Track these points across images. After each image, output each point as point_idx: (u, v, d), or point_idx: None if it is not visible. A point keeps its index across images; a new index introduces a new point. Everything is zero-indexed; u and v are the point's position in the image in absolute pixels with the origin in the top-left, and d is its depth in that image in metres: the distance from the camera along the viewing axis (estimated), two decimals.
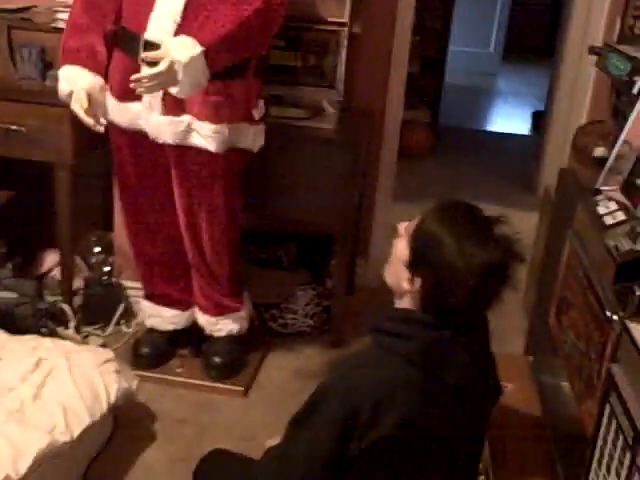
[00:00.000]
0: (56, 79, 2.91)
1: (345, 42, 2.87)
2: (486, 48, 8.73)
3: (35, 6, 3.00)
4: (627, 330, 1.50)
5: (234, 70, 2.43)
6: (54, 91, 2.85)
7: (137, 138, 2.55)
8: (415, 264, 1.59)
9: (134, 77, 2.24)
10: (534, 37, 9.48)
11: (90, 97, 2.45)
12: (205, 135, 2.45)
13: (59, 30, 2.96)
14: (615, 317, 1.58)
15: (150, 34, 2.39)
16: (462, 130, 6.49)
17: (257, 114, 2.60)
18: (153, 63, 2.25)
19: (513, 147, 6.20)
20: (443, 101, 6.10)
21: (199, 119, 2.45)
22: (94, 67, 2.50)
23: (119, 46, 2.51)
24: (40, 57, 2.93)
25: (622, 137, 2.21)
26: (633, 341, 1.46)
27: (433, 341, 1.57)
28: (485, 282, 1.52)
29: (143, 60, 2.32)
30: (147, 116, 2.48)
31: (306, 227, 3.35)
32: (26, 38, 2.95)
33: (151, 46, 2.36)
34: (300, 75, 2.86)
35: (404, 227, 1.66)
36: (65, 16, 2.95)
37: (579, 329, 1.85)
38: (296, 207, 3.01)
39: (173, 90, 2.31)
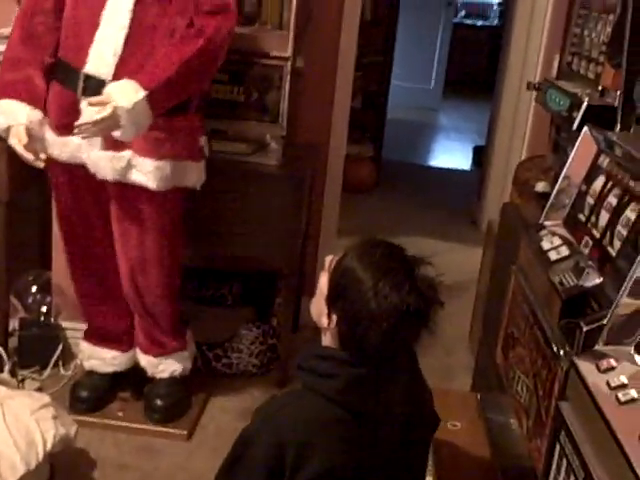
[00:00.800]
0: None
1: (288, 77, 2.86)
2: (427, 84, 8.85)
3: None
4: (575, 367, 1.49)
5: (176, 106, 2.40)
6: None
7: (77, 172, 2.49)
8: (333, 300, 1.58)
9: (77, 124, 2.24)
10: (473, 73, 9.66)
11: (29, 132, 2.39)
12: (146, 171, 2.41)
13: None
14: (562, 353, 1.57)
15: (90, 68, 2.35)
16: (405, 165, 6.54)
17: (202, 150, 2.56)
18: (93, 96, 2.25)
19: (455, 182, 6.27)
20: (385, 136, 6.15)
21: (140, 155, 2.40)
22: (33, 100, 2.43)
23: (57, 79, 2.45)
24: None
25: (564, 173, 2.24)
26: (581, 378, 1.44)
27: (353, 379, 1.55)
28: (399, 325, 1.51)
29: (88, 104, 2.27)
30: (87, 150, 2.42)
31: (250, 264, 3.31)
32: None
33: (91, 80, 2.34)
34: (243, 110, 2.84)
35: (329, 261, 1.64)
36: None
37: (526, 366, 1.84)
38: (240, 243, 2.97)
39: (116, 134, 2.28)
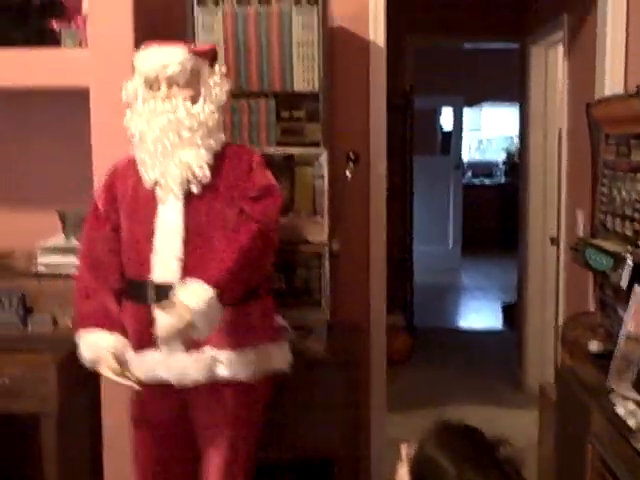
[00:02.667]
0: (38, 324, 2.89)
1: (327, 261, 2.91)
2: (445, 245, 8.99)
3: (14, 252, 3.03)
4: None
5: (247, 293, 2.43)
6: (36, 337, 2.81)
7: (154, 389, 2.45)
8: None
9: (158, 338, 2.29)
10: (486, 231, 9.84)
11: (117, 358, 2.40)
12: (231, 364, 2.40)
13: (39, 275, 2.98)
14: None
15: (157, 277, 2.39)
16: (436, 330, 6.51)
17: (281, 330, 2.59)
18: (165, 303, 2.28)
19: (489, 343, 6.20)
20: (415, 302, 6.16)
21: (221, 348, 2.40)
22: (112, 326, 2.46)
23: (128, 297, 2.49)
24: (21, 303, 2.91)
25: (622, 333, 2.22)
26: None
27: None
28: None
29: (160, 310, 2.29)
30: (168, 360, 2.41)
31: (302, 453, 3.21)
32: (6, 284, 2.95)
33: (160, 288, 2.37)
34: (286, 297, 2.86)
35: (405, 451, 1.61)
36: (44, 260, 2.98)
37: None
38: (292, 431, 2.91)
39: (193, 335, 2.30)
